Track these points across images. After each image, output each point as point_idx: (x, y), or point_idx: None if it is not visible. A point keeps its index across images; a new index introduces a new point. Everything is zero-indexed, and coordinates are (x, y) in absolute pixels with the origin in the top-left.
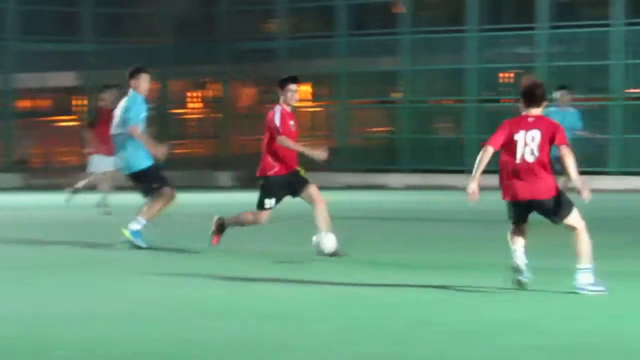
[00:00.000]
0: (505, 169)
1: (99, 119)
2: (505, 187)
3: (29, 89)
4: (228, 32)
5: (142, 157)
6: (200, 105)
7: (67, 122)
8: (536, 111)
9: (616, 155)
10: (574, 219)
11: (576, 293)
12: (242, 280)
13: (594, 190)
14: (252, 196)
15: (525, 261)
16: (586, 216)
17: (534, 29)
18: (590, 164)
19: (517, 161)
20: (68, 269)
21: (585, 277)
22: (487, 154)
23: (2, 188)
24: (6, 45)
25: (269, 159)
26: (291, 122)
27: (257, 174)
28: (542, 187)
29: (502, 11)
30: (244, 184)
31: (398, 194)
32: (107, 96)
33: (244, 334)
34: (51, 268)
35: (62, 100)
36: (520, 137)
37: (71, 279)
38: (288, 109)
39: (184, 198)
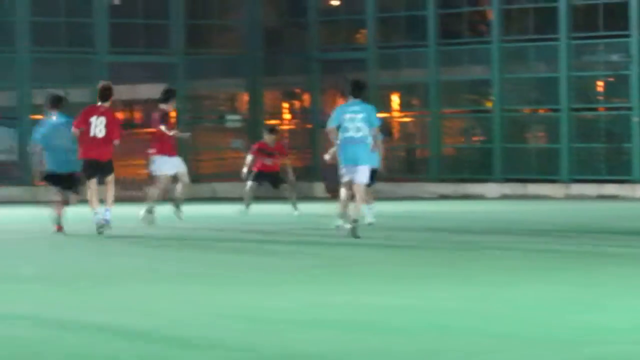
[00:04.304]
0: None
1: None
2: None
3: (120, 100)
4: (318, 42)
5: None
6: (290, 116)
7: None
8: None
9: None
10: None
11: None
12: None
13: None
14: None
15: None
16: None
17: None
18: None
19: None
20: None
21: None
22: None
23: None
24: (96, 58)
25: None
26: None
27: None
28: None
29: (593, 19)
30: (332, 194)
31: (494, 203)
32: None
33: None
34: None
35: (151, 111)
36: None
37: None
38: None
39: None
